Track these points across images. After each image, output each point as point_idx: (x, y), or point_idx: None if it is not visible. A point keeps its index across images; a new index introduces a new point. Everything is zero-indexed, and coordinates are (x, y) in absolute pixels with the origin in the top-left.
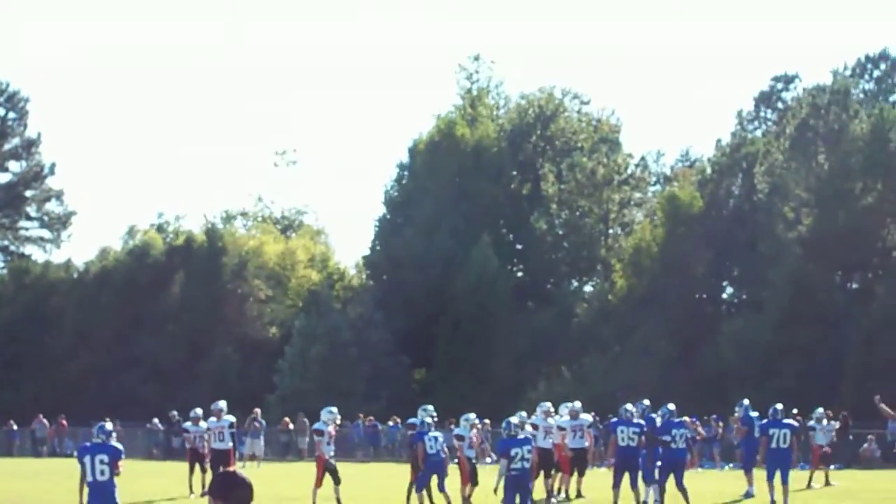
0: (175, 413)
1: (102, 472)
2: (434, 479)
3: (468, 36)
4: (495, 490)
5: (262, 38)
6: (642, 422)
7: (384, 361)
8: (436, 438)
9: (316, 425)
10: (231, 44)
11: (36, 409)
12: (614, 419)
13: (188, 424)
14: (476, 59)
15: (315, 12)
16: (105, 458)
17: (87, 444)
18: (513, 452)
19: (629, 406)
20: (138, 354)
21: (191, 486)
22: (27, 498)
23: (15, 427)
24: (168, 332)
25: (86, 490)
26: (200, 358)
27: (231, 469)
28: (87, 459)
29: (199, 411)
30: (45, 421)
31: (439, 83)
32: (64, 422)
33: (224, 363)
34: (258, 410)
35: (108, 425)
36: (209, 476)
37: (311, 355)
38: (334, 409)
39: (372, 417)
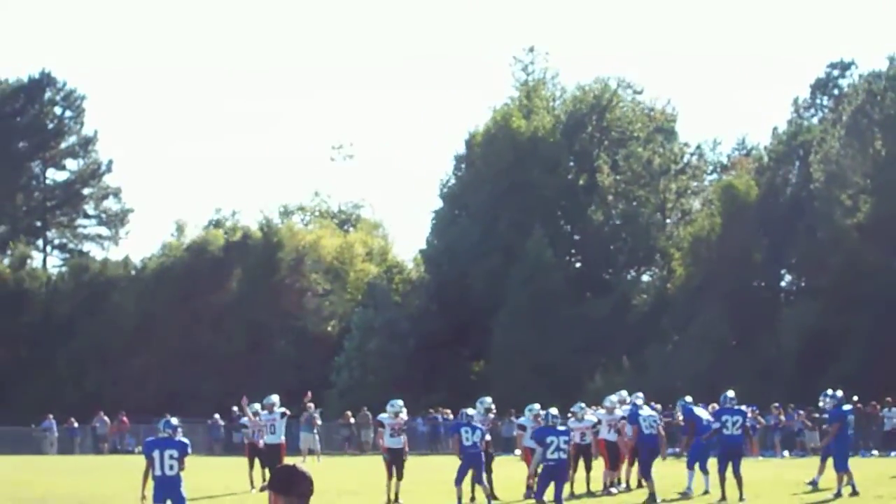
0: (236, 408)
1: (171, 467)
2: (471, 472)
3: (523, 28)
4: (530, 478)
5: (319, 33)
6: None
7: (442, 354)
8: (473, 430)
9: (379, 417)
10: (287, 38)
11: (96, 406)
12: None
13: (246, 419)
14: (531, 50)
15: (372, 5)
16: (174, 452)
17: (154, 438)
18: (548, 440)
19: (639, 395)
20: (197, 350)
21: (251, 481)
22: (89, 495)
23: (76, 424)
24: (226, 327)
25: (150, 484)
26: (259, 353)
27: (291, 463)
28: (156, 454)
29: (256, 406)
30: (105, 418)
31: (495, 76)
32: (125, 418)
33: (282, 358)
34: (312, 405)
35: (174, 420)
36: (269, 471)
37: (369, 349)
38: (398, 402)
39: (432, 410)
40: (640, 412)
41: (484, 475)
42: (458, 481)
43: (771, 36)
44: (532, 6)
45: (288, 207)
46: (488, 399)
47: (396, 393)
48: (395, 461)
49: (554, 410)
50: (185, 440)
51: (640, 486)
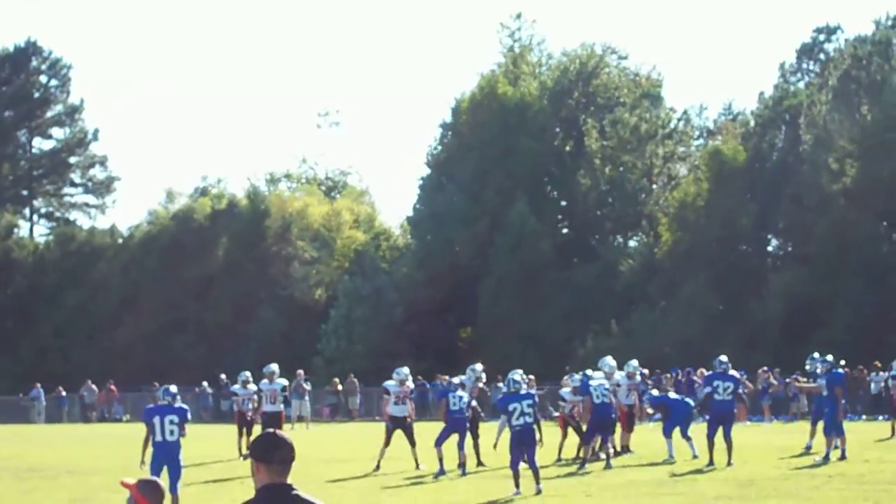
0: (224, 376)
1: (171, 433)
2: (456, 437)
3: None
4: (495, 446)
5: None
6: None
7: (429, 321)
8: (460, 397)
9: (385, 384)
10: (273, 5)
11: (84, 376)
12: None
13: (236, 387)
14: (518, 17)
15: None
16: (175, 418)
17: (153, 405)
18: (511, 408)
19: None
20: (184, 319)
21: (240, 449)
22: (79, 463)
23: (64, 393)
24: (213, 295)
25: (149, 450)
26: (246, 321)
27: (270, 430)
28: (156, 420)
29: (247, 374)
30: (93, 387)
31: (482, 42)
32: (113, 387)
33: (270, 326)
34: (301, 372)
35: (174, 388)
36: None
37: (356, 317)
38: (404, 370)
39: (420, 377)
40: (591, 382)
41: (466, 441)
42: (439, 443)
43: (757, 1)
44: None
45: (275, 175)
46: (479, 366)
47: (383, 361)
48: (399, 428)
49: (516, 375)
50: (185, 406)
51: (625, 451)
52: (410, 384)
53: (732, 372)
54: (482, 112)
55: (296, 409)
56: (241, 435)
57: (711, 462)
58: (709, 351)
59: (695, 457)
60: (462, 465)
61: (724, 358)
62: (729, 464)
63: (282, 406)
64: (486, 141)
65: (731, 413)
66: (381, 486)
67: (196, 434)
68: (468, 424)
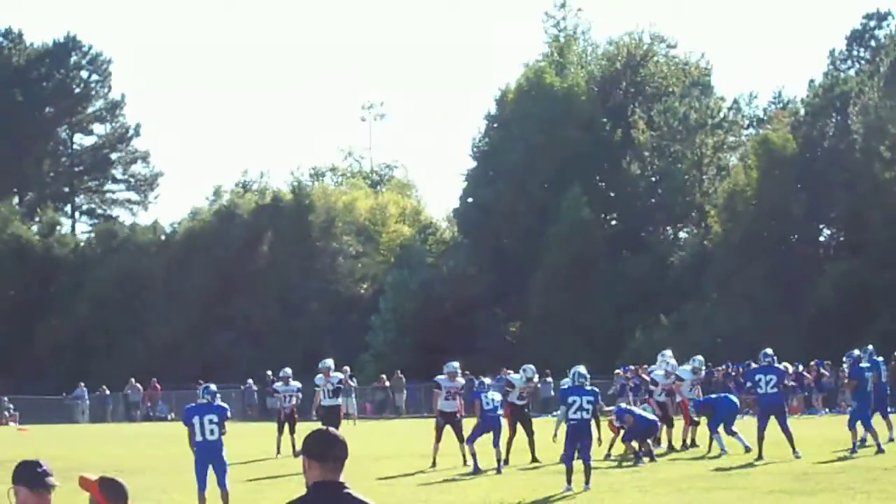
0: (270, 373)
1: (212, 432)
2: (490, 436)
3: None
4: (554, 438)
5: None
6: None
7: (478, 315)
8: (492, 398)
9: (437, 378)
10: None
11: (128, 374)
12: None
13: (278, 384)
14: (563, 6)
15: None
16: (214, 417)
17: (194, 404)
18: (570, 400)
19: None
20: (230, 315)
21: (278, 447)
22: (124, 463)
23: (108, 392)
24: (259, 291)
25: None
26: (292, 317)
27: (324, 427)
28: (195, 420)
29: (288, 371)
30: (137, 385)
31: (527, 32)
32: (157, 385)
33: (316, 321)
34: (348, 368)
35: (213, 386)
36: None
37: (404, 311)
38: (454, 363)
39: (468, 372)
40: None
41: (502, 439)
42: (471, 440)
43: None
44: None
45: (319, 169)
46: (531, 367)
47: (431, 356)
48: (448, 424)
49: (581, 369)
50: (225, 405)
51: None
52: (461, 379)
53: (784, 364)
54: (528, 103)
55: (342, 407)
56: (280, 432)
57: (761, 456)
58: (761, 343)
59: (747, 448)
60: (499, 461)
61: (769, 351)
62: (795, 454)
63: (340, 400)
64: (533, 132)
65: (781, 405)
66: (430, 482)
67: (241, 432)
68: (520, 422)
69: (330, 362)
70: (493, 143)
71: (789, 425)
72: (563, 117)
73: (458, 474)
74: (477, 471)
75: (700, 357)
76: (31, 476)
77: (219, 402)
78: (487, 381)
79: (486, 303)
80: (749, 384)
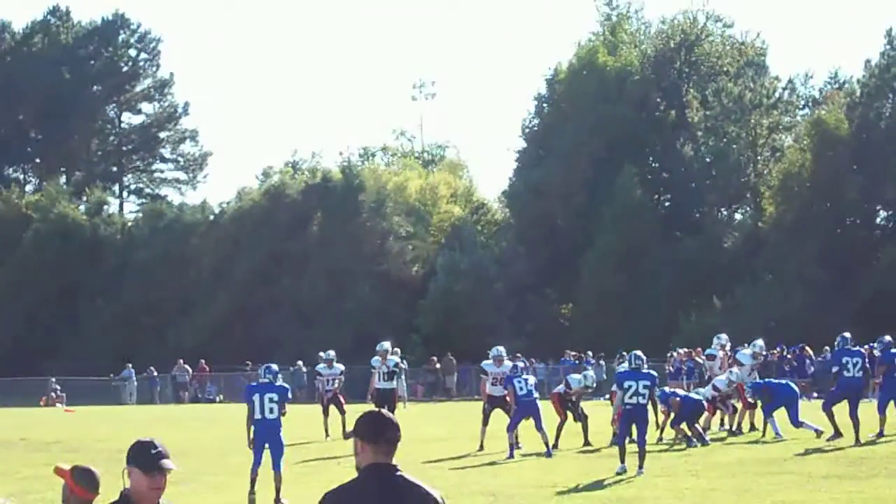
0: (322, 354)
1: (271, 411)
2: (531, 421)
3: None
4: (613, 421)
5: None
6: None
7: (529, 296)
8: (526, 381)
9: (483, 364)
10: None
11: (176, 355)
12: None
13: (321, 367)
14: None
15: None
16: (274, 396)
17: (255, 383)
18: (626, 385)
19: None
20: (278, 296)
21: (326, 430)
22: (174, 445)
23: (155, 373)
24: (307, 272)
25: (251, 428)
26: (341, 298)
27: (376, 409)
28: (255, 398)
29: (332, 353)
30: (186, 366)
31: (578, 11)
32: (205, 367)
33: (365, 303)
34: (398, 350)
35: (275, 366)
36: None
37: (455, 292)
38: (500, 348)
39: (519, 354)
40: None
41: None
42: (511, 428)
43: None
44: None
45: (370, 149)
46: (592, 375)
47: (482, 338)
48: (497, 407)
49: (639, 352)
50: (286, 385)
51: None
52: (508, 365)
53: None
54: (580, 82)
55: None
56: (326, 415)
57: (839, 433)
58: (815, 326)
59: (818, 432)
60: (547, 445)
61: (847, 335)
62: (857, 442)
63: (395, 383)
64: (584, 111)
65: (861, 389)
66: (482, 464)
67: (291, 414)
68: (569, 410)
69: (387, 345)
70: (544, 124)
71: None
72: (615, 97)
73: (508, 458)
74: (511, 457)
75: (760, 342)
76: (144, 458)
77: (280, 382)
78: (521, 364)
79: (537, 285)
80: (835, 368)
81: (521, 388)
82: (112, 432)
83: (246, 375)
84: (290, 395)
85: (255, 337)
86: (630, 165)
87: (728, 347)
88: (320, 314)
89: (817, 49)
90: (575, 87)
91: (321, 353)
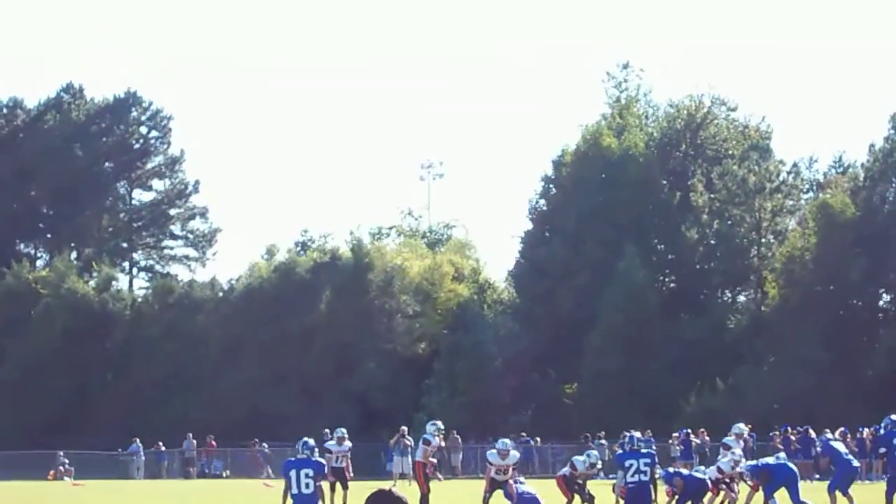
0: (328, 431)
1: (307, 486)
2: None
3: (615, 44)
4: (616, 503)
5: (406, 52)
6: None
7: (532, 375)
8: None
9: (487, 454)
10: (374, 59)
11: (183, 430)
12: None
13: (331, 443)
14: (625, 67)
15: (461, 25)
16: (310, 472)
17: (293, 458)
18: (627, 464)
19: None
20: (285, 372)
21: None
22: None
23: (163, 448)
24: (315, 349)
25: (289, 502)
26: (348, 375)
27: (386, 488)
28: (292, 473)
29: (343, 431)
30: (193, 441)
31: (587, 93)
32: (213, 442)
33: (372, 380)
34: (405, 428)
35: (311, 441)
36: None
37: (457, 371)
38: (506, 441)
39: (524, 434)
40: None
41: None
42: None
43: (867, 51)
44: (622, 23)
45: (378, 229)
46: (595, 454)
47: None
48: (499, 488)
49: (637, 434)
50: (322, 460)
51: None
52: (515, 453)
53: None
54: (585, 164)
55: (398, 466)
56: (332, 490)
57: None
58: (818, 407)
59: None
60: None
61: (895, 416)
62: None
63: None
64: (589, 193)
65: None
66: None
67: None
68: (576, 489)
69: (404, 429)
70: (550, 205)
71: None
72: (620, 179)
73: None
74: None
75: (741, 424)
76: None
77: (316, 457)
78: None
79: (541, 364)
80: (884, 449)
81: (522, 493)
82: None
83: (251, 452)
84: (325, 471)
85: (261, 412)
86: (633, 247)
87: (745, 434)
88: (326, 391)
89: (822, 133)
90: (580, 169)
91: (326, 430)
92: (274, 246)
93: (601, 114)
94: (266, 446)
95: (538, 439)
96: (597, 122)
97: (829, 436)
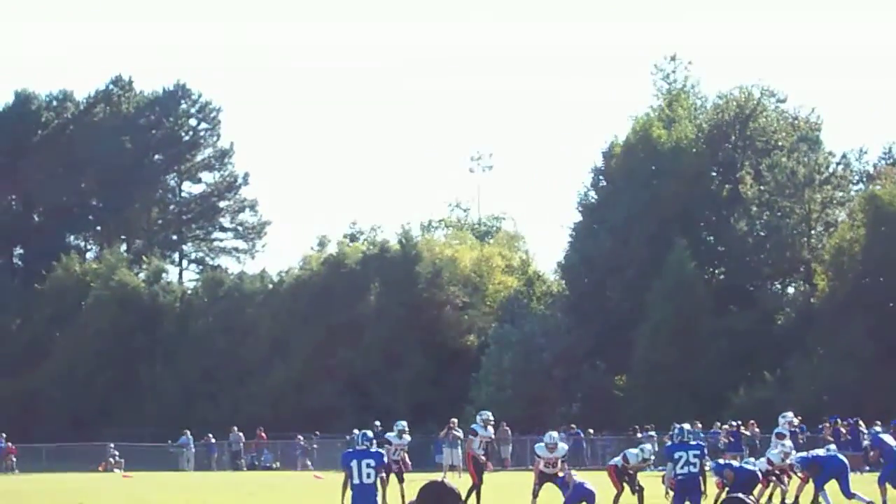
0: (378, 423)
1: (369, 476)
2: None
3: (664, 36)
4: (666, 494)
5: (456, 44)
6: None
7: (582, 369)
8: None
9: (536, 447)
10: (424, 51)
11: (233, 422)
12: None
13: (391, 435)
14: (672, 59)
15: (510, 13)
16: (371, 462)
17: (352, 450)
18: (676, 456)
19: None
20: (334, 365)
21: (384, 499)
22: None
23: (213, 440)
24: (364, 342)
25: (348, 493)
26: (397, 367)
27: (439, 479)
28: (353, 464)
29: (403, 424)
30: (240, 434)
31: (636, 85)
32: (263, 434)
33: (421, 373)
34: (455, 420)
35: (370, 433)
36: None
37: (505, 363)
38: (553, 435)
39: (574, 426)
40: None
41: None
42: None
43: None
44: (673, 13)
45: (427, 221)
46: (649, 448)
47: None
48: (549, 481)
49: (686, 426)
50: (382, 451)
51: None
52: (562, 449)
53: None
54: (635, 156)
55: (447, 458)
56: (385, 485)
57: None
58: (867, 400)
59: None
60: None
61: None
62: None
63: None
64: (639, 186)
65: None
66: None
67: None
68: (626, 480)
69: (487, 414)
70: (599, 197)
71: None
72: (669, 171)
73: None
74: None
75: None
76: None
77: (375, 447)
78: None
79: (590, 356)
80: None
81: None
82: (170, 499)
83: (300, 444)
84: (385, 461)
85: (310, 405)
86: (682, 240)
87: (796, 424)
88: (375, 383)
89: (872, 124)
90: (629, 161)
91: (377, 422)
92: (325, 237)
93: (650, 106)
94: (301, 439)
95: (591, 430)
96: (646, 114)
97: (879, 429)
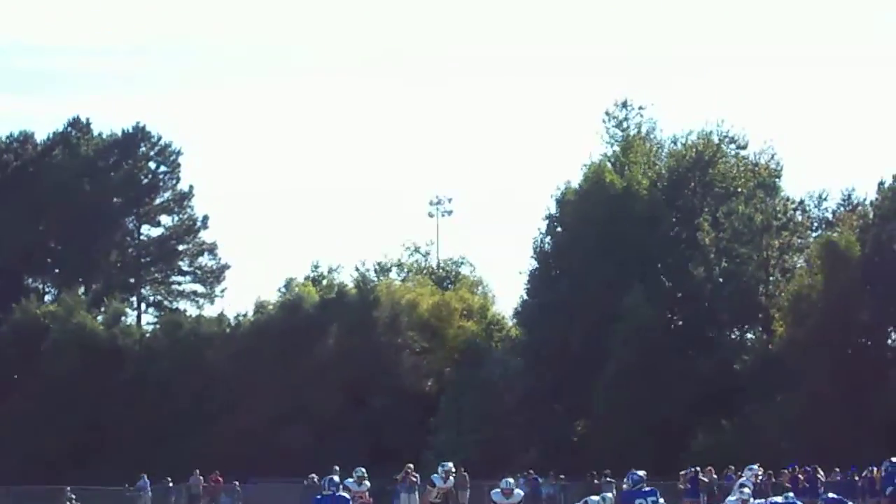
0: (337, 468)
1: None
2: None
3: (620, 81)
4: None
5: (414, 89)
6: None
7: (541, 413)
8: None
9: (492, 494)
10: (383, 94)
11: (192, 465)
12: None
13: (350, 482)
14: (624, 105)
15: (466, 66)
16: None
17: (320, 495)
18: (636, 503)
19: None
20: (294, 408)
21: None
22: None
23: (171, 483)
24: (323, 385)
25: None
26: (356, 411)
27: None
28: None
29: (362, 470)
30: (200, 477)
31: (590, 131)
32: (219, 478)
33: (380, 416)
34: (411, 465)
35: (336, 478)
36: None
37: (464, 407)
38: (509, 481)
39: (531, 471)
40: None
41: None
42: None
43: (876, 88)
44: (625, 61)
45: (385, 265)
46: (610, 497)
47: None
48: None
49: (641, 473)
50: (346, 496)
51: None
52: (519, 492)
53: None
54: (588, 202)
55: (404, 503)
56: None
57: None
58: (827, 447)
59: None
60: None
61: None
62: None
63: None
64: (593, 231)
65: None
66: None
67: None
68: None
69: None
70: (555, 243)
71: None
72: (624, 216)
73: None
74: None
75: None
76: None
77: (341, 492)
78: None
79: (549, 401)
80: (891, 489)
81: None
82: None
83: (257, 487)
84: None
85: (269, 447)
86: (640, 284)
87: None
88: (334, 428)
89: (832, 169)
90: (583, 206)
91: (335, 467)
92: (293, 280)
93: (603, 153)
94: (237, 483)
95: (552, 472)
96: (598, 161)
97: (839, 477)
